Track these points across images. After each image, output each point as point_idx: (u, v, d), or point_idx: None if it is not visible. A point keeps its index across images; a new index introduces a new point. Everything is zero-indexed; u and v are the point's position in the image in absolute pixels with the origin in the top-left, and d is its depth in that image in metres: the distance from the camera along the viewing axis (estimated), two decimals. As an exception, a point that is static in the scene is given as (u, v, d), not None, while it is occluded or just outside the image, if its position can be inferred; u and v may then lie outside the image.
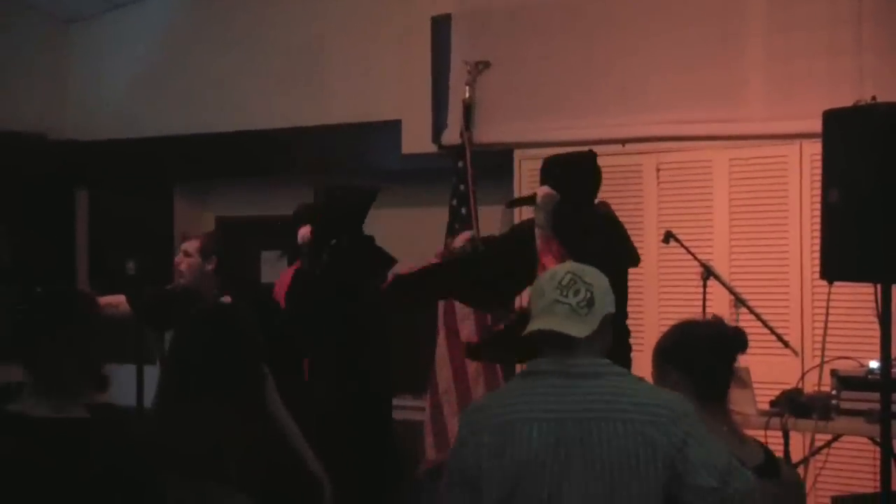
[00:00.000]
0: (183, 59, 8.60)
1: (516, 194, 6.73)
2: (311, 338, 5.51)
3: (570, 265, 2.90)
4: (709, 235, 6.16)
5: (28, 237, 8.30)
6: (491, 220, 7.05)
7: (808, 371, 5.25)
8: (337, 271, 5.55)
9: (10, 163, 8.32)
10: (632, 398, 2.71)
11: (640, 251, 5.00)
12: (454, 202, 6.67)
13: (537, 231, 4.69)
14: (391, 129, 7.52)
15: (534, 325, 2.80)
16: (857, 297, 4.94)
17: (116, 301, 5.65)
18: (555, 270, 2.87)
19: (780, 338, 5.26)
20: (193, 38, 8.58)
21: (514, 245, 5.04)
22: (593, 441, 2.66)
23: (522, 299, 5.42)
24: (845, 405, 4.88)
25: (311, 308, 5.50)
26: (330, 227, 5.65)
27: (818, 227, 4.42)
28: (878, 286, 4.21)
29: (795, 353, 5.44)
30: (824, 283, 4.47)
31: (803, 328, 5.87)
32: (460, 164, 6.70)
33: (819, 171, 4.48)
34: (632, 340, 4.76)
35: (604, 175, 4.89)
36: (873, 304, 4.22)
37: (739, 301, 5.35)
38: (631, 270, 4.81)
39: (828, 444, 5.08)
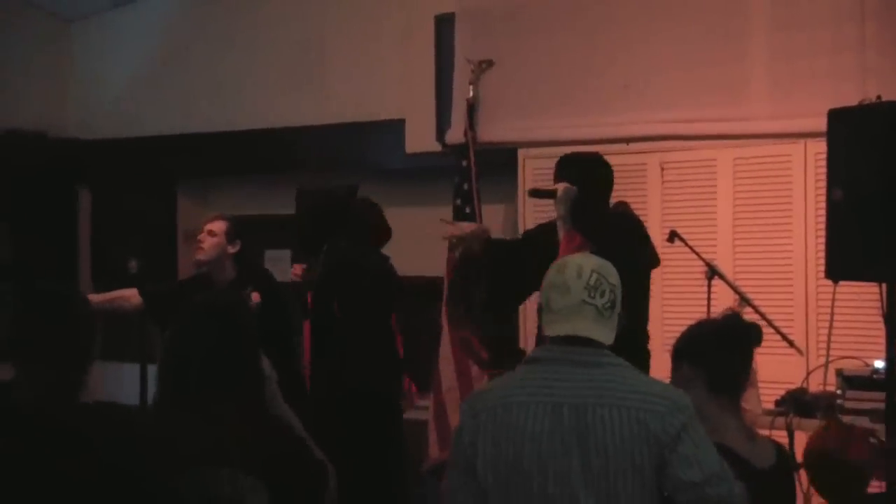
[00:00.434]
0: (185, 57, 8.60)
1: (520, 193, 6.73)
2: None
3: (593, 261, 2.88)
4: (713, 234, 6.15)
5: (30, 236, 8.29)
6: (495, 219, 7.04)
7: (812, 370, 5.24)
8: (336, 271, 5.64)
9: (11, 161, 8.32)
10: (630, 387, 2.73)
11: (645, 250, 4.98)
12: (458, 201, 6.65)
13: (559, 224, 4.67)
14: (395, 128, 7.51)
15: (562, 329, 2.79)
16: (863, 296, 4.93)
17: (128, 294, 5.70)
18: (579, 266, 2.84)
19: (784, 337, 5.24)
20: (195, 36, 8.58)
21: (528, 245, 5.05)
22: (589, 426, 2.67)
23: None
24: (850, 405, 4.86)
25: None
26: (313, 237, 5.75)
27: (823, 226, 4.42)
28: (884, 285, 4.20)
29: (800, 352, 5.42)
30: (829, 282, 4.46)
31: (808, 327, 5.86)
32: (464, 163, 6.68)
33: (823, 169, 4.48)
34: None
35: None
36: (878, 303, 4.22)
37: (744, 300, 5.33)
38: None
39: (833, 444, 5.07)
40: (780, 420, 4.84)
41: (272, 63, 8.18)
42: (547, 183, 5.04)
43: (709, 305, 5.25)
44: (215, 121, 8.29)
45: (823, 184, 4.52)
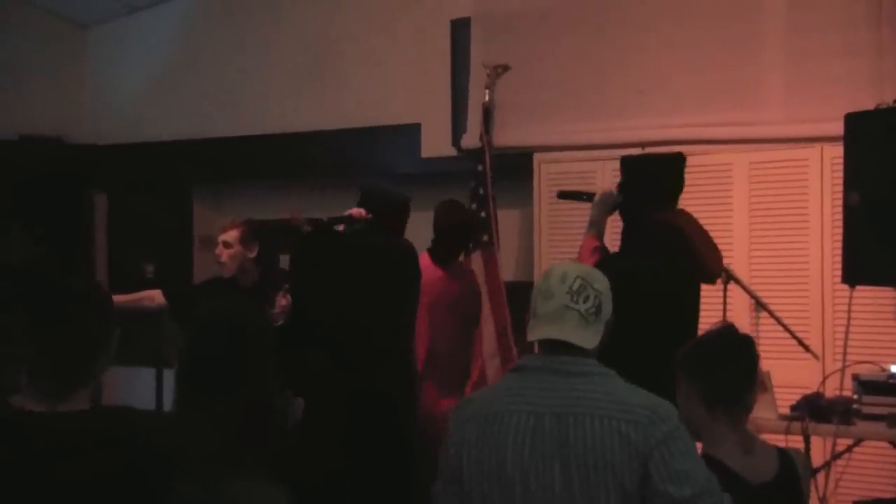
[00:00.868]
0: (200, 62, 8.62)
1: (535, 197, 6.72)
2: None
3: (578, 267, 2.88)
4: (729, 239, 6.12)
5: (46, 241, 8.32)
6: (510, 224, 7.04)
7: (829, 375, 5.22)
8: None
9: (28, 166, 8.36)
10: (613, 397, 2.70)
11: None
12: (473, 205, 6.65)
13: (588, 229, 4.66)
14: (410, 132, 7.52)
15: (543, 333, 2.79)
16: (879, 301, 4.92)
17: (152, 294, 5.77)
18: (564, 272, 2.83)
19: (800, 342, 5.23)
20: (210, 41, 8.60)
21: None
22: (570, 435, 2.66)
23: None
24: (867, 409, 4.84)
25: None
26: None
27: (839, 230, 4.40)
28: (900, 290, 4.19)
29: (816, 357, 5.40)
30: (845, 286, 4.45)
31: (824, 332, 5.84)
32: (479, 167, 6.68)
33: (839, 174, 4.47)
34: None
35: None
36: (895, 308, 4.20)
37: (760, 305, 5.31)
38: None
39: (849, 449, 5.04)
40: (796, 425, 4.82)
41: (287, 68, 8.20)
42: (565, 186, 5.02)
43: (724, 310, 5.23)
44: (230, 126, 8.30)
45: (839, 188, 4.50)
